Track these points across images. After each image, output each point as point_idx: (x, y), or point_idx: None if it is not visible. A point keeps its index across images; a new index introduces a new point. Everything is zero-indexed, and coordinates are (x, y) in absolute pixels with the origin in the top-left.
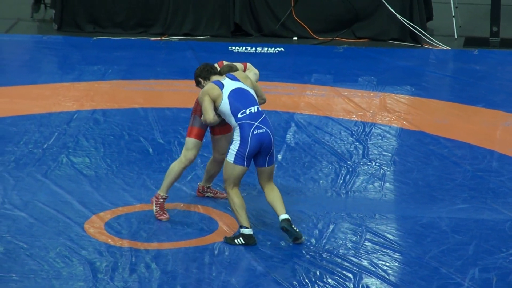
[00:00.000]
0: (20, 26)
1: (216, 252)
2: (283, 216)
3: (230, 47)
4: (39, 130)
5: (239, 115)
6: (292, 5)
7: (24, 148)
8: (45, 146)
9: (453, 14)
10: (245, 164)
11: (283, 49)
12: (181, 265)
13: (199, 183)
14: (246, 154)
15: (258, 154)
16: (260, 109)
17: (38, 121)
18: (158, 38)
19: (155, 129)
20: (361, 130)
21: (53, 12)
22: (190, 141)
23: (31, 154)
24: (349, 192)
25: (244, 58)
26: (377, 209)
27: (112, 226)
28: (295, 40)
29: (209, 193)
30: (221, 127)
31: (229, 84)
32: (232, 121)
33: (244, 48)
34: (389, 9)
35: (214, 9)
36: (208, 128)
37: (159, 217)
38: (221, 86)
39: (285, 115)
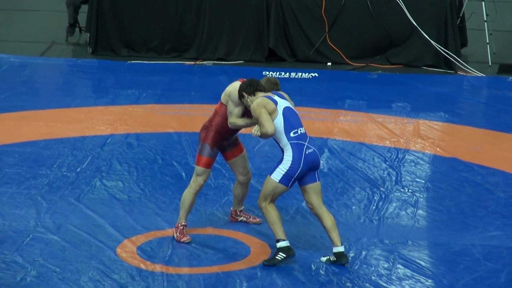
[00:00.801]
0: (55, 49)
1: (248, 277)
2: (339, 248)
3: (264, 72)
4: (72, 154)
5: (291, 134)
6: (327, 30)
7: (57, 172)
8: (78, 169)
9: (488, 41)
10: (290, 185)
11: (317, 75)
12: None
13: (231, 208)
14: (296, 175)
15: (308, 171)
16: (305, 131)
17: (71, 145)
18: (193, 63)
19: (188, 154)
20: (394, 157)
21: (88, 35)
22: (200, 169)
23: (64, 178)
24: (382, 218)
25: None
26: (410, 235)
27: (144, 251)
28: (329, 65)
29: (242, 217)
30: (233, 149)
31: (281, 102)
32: (282, 139)
33: (278, 73)
34: (424, 35)
35: (248, 34)
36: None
37: (181, 240)
38: (274, 101)
39: (319, 141)
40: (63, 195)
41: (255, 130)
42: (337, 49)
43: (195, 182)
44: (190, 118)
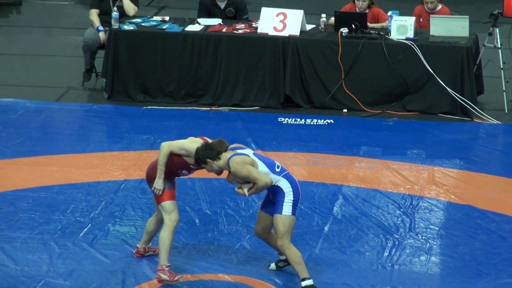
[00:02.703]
0: (71, 94)
1: None
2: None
3: (279, 118)
4: (86, 199)
5: (276, 169)
6: (343, 77)
7: (71, 217)
8: (91, 215)
9: (504, 89)
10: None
11: (332, 121)
12: None
13: (137, 245)
14: (299, 201)
15: None
16: None
17: (85, 190)
18: (208, 109)
19: (201, 199)
20: (408, 203)
21: (104, 81)
22: (167, 204)
23: (77, 223)
24: (395, 266)
25: (293, 129)
26: (423, 283)
27: (282, 247)
28: (344, 112)
29: (149, 252)
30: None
31: (246, 151)
32: (273, 177)
33: (293, 119)
34: (440, 82)
35: (264, 80)
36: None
37: (175, 279)
38: (245, 154)
39: (333, 187)
40: (76, 240)
41: (245, 190)
42: (353, 96)
43: (171, 220)
44: None
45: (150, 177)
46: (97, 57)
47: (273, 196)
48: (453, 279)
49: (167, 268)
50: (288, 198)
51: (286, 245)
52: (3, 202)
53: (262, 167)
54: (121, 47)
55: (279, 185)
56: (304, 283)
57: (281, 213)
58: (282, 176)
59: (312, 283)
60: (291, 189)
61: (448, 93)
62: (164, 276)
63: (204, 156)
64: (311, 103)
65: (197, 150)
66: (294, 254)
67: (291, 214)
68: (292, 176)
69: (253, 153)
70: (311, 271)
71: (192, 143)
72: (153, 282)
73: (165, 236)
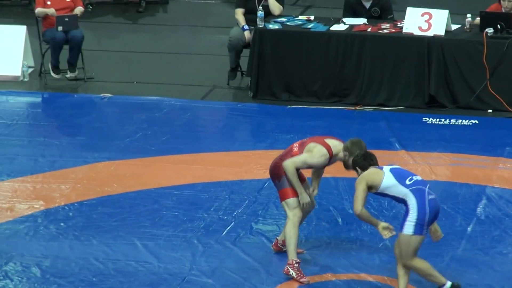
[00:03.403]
0: (216, 93)
1: None
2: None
3: (424, 118)
4: (230, 197)
5: (407, 182)
6: (488, 77)
7: (214, 215)
8: (235, 213)
9: None
10: (424, 232)
11: (477, 122)
12: None
13: (277, 237)
14: (426, 221)
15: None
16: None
17: (229, 188)
18: (353, 108)
19: (345, 199)
20: None
21: (249, 80)
22: (291, 200)
23: (221, 221)
24: None
25: (438, 129)
26: None
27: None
28: (490, 112)
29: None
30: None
31: (386, 167)
32: (400, 189)
33: (438, 119)
34: None
35: (409, 80)
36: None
37: (301, 280)
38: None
39: (476, 188)
40: (219, 238)
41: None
42: (498, 96)
43: (295, 215)
44: None
45: (274, 174)
46: (242, 56)
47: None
48: None
49: (296, 265)
50: (411, 217)
51: (409, 264)
52: (147, 200)
53: (388, 179)
54: (266, 46)
55: (406, 199)
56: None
57: (401, 232)
58: (411, 191)
59: (451, 284)
60: (417, 207)
61: None
62: (292, 272)
63: (357, 163)
64: (456, 103)
65: (355, 158)
66: (420, 268)
67: (412, 233)
68: (424, 191)
69: (393, 168)
70: (453, 272)
71: (313, 158)
72: (293, 282)
73: (290, 231)
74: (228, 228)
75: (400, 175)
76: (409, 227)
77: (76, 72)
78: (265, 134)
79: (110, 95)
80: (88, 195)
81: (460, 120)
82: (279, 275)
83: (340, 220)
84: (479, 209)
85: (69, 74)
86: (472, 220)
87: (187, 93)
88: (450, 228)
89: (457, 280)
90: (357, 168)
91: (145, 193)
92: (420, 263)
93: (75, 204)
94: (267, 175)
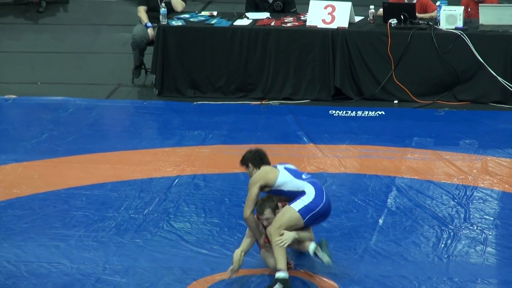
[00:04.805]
0: (121, 91)
1: None
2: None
3: (330, 111)
4: (139, 196)
5: (303, 176)
6: (393, 68)
7: (125, 214)
8: (145, 211)
9: None
10: (307, 219)
11: (383, 113)
12: None
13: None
14: (316, 210)
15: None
16: None
17: (139, 187)
18: (259, 103)
19: None
20: (462, 194)
21: (154, 77)
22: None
23: (132, 220)
24: (451, 257)
25: (345, 121)
26: (479, 273)
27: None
28: (395, 103)
29: None
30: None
31: (280, 165)
32: (297, 183)
33: (344, 112)
34: (491, 72)
35: (314, 73)
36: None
37: None
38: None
39: (386, 179)
40: (131, 237)
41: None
42: (403, 87)
43: None
44: None
45: None
46: (146, 53)
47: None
48: (510, 269)
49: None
50: (306, 198)
51: (272, 233)
52: (57, 201)
53: (284, 175)
54: (170, 43)
55: (304, 189)
56: (278, 274)
57: (290, 205)
58: (308, 182)
59: (287, 277)
60: (314, 194)
61: (499, 82)
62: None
63: (248, 159)
64: (361, 95)
65: (247, 154)
66: (279, 241)
67: (297, 210)
68: (320, 185)
69: (287, 167)
70: (366, 264)
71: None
72: (209, 278)
73: None
74: (139, 226)
75: (295, 172)
76: (299, 204)
77: None
78: (172, 131)
79: (14, 96)
80: None
81: (366, 112)
82: (193, 272)
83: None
84: (389, 200)
85: None
86: (384, 212)
87: (92, 93)
88: (362, 220)
89: (371, 271)
90: (250, 164)
91: (55, 194)
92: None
93: None
94: (176, 173)
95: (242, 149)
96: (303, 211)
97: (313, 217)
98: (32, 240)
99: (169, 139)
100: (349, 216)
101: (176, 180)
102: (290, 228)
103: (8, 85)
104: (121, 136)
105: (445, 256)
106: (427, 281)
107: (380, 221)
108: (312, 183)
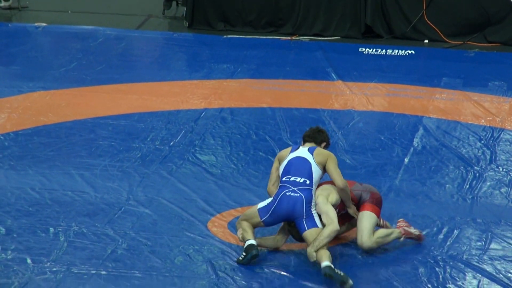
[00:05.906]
0: (151, 22)
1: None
2: (325, 263)
3: (360, 49)
4: (166, 127)
5: (284, 178)
6: (424, 8)
7: (150, 145)
8: (171, 143)
9: None
10: (264, 219)
11: (413, 52)
12: (304, 266)
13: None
14: (271, 211)
15: (294, 218)
16: (308, 183)
17: (165, 118)
18: (289, 38)
19: (282, 129)
20: (489, 135)
21: (185, 9)
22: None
23: (157, 151)
24: (475, 198)
25: (374, 60)
26: (503, 215)
27: (235, 226)
28: (426, 43)
29: None
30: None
31: (299, 152)
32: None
33: (374, 50)
34: None
35: (345, 10)
36: None
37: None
38: (294, 149)
39: (413, 119)
40: (155, 168)
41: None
42: (434, 27)
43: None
44: (284, 93)
45: None
46: None
47: None
48: None
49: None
50: (268, 200)
51: (238, 221)
52: (83, 130)
53: (282, 168)
54: None
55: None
56: (247, 242)
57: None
58: (279, 185)
59: (252, 242)
60: (273, 197)
61: None
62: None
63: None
64: (392, 34)
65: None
66: (242, 227)
67: (258, 207)
68: (283, 189)
69: (296, 157)
70: (391, 202)
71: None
72: (232, 211)
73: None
74: (165, 158)
75: (286, 170)
76: (262, 202)
77: (10, 1)
78: (201, 64)
79: (44, 24)
80: (24, 124)
81: (396, 51)
82: (216, 204)
83: (277, 150)
84: (416, 140)
85: (3, 3)
86: (410, 151)
87: (122, 23)
88: (388, 159)
89: (395, 210)
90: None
91: (81, 123)
92: (243, 225)
93: (11, 134)
94: (203, 105)
95: (269, 84)
96: (262, 210)
97: (273, 217)
98: (57, 168)
99: (197, 72)
100: (374, 154)
101: (203, 113)
102: (249, 220)
103: (39, 13)
104: (149, 67)
105: (469, 197)
106: (450, 221)
107: (406, 160)
108: (280, 187)
